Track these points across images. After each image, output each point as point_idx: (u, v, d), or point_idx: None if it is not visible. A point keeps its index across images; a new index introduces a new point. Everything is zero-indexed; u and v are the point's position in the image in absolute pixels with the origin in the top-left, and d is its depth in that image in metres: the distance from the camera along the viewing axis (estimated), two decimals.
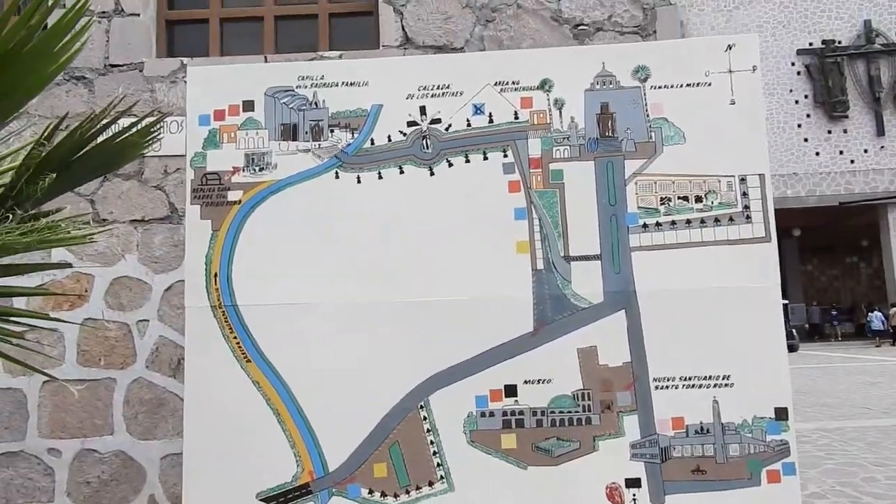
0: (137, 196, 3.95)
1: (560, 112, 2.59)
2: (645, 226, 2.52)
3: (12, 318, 2.09)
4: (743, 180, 2.51)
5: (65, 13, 2.06)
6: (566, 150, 2.57)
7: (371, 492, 2.48)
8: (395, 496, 2.48)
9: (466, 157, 2.59)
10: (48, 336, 3.70)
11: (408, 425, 2.50)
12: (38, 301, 3.73)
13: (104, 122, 2.30)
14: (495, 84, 2.61)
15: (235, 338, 2.55)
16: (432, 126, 2.62)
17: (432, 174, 2.59)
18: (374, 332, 2.54)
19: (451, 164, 2.59)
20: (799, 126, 21.49)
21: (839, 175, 21.18)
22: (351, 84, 2.65)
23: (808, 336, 27.78)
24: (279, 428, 2.51)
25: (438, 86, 2.63)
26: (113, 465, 3.77)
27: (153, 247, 3.89)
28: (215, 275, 2.58)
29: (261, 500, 2.50)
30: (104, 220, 3.81)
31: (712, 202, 2.51)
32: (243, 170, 2.62)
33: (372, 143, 2.62)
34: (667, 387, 2.46)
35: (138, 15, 4.19)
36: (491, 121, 2.60)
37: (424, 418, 2.50)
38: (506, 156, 2.58)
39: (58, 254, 3.66)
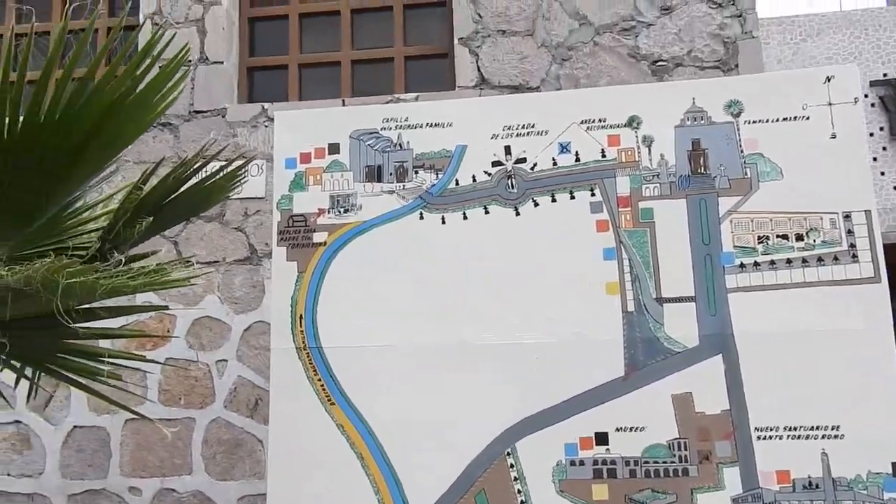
0: (219, 238, 4.02)
1: (649, 149, 2.51)
2: (742, 266, 2.41)
3: (107, 359, 2.12)
4: (847, 217, 2.37)
5: (165, 65, 2.11)
6: (656, 187, 2.49)
7: None
8: None
9: (553, 196, 2.53)
10: (132, 375, 3.76)
11: (494, 473, 2.41)
12: (122, 341, 3.80)
13: (195, 166, 2.35)
14: (581, 122, 2.55)
15: (320, 380, 2.52)
16: (517, 165, 2.57)
17: (518, 214, 2.54)
18: (460, 375, 2.47)
19: (536, 204, 2.54)
20: (875, 160, 20.81)
21: None
22: (435, 125, 2.63)
23: None
24: (363, 472, 2.45)
25: (523, 125, 2.59)
26: None
27: (233, 288, 3.94)
28: (300, 316, 2.56)
29: None
30: (187, 261, 3.88)
31: (814, 240, 2.39)
32: (328, 211, 2.62)
33: (457, 184, 2.59)
34: (770, 437, 2.31)
35: (222, 63, 4.31)
36: (577, 159, 2.54)
37: (511, 465, 2.41)
38: (593, 194, 2.51)
39: (142, 295, 3.74)
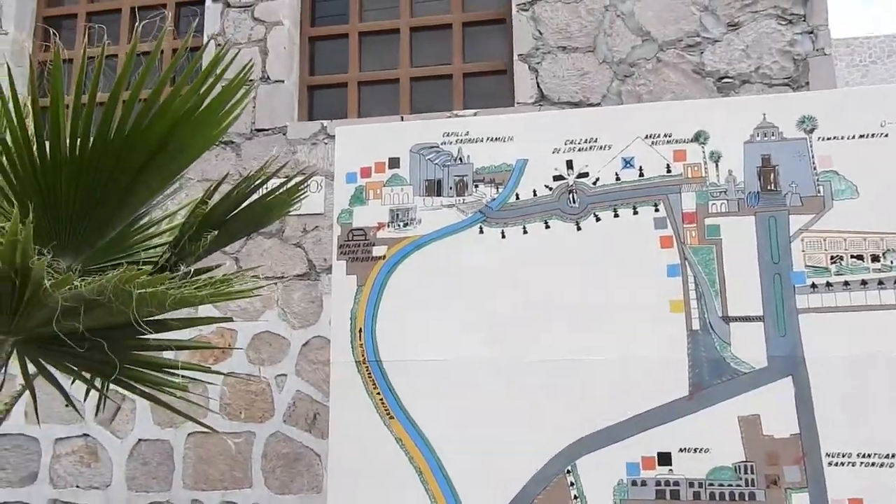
0: (278, 253, 4.08)
1: (716, 165, 2.46)
2: (814, 286, 2.32)
3: (179, 371, 2.18)
4: None
5: (228, 84, 2.17)
6: (723, 204, 2.43)
7: None
8: None
9: (615, 211, 2.50)
10: (195, 389, 3.83)
11: (553, 491, 2.37)
12: (184, 354, 3.88)
13: (256, 183, 2.41)
14: (646, 137, 2.51)
15: (379, 394, 2.51)
16: (579, 180, 2.54)
17: (579, 229, 2.51)
18: (520, 391, 2.44)
19: (598, 219, 2.50)
20: None
21: None
22: (496, 139, 2.63)
23: None
24: (422, 487, 2.44)
25: (586, 139, 2.57)
26: None
27: (292, 303, 3.99)
28: (360, 330, 2.57)
29: None
30: (252, 273, 3.97)
31: (892, 262, 2.30)
32: (388, 225, 2.63)
33: (517, 198, 2.57)
34: (842, 463, 2.22)
35: (283, 81, 4.40)
36: (641, 174, 2.49)
37: (571, 484, 2.37)
38: (657, 210, 2.46)
39: (203, 310, 3.82)
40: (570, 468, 2.38)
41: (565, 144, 2.58)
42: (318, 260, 4.06)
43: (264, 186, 2.42)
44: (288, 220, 4.08)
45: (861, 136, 2.40)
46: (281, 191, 2.47)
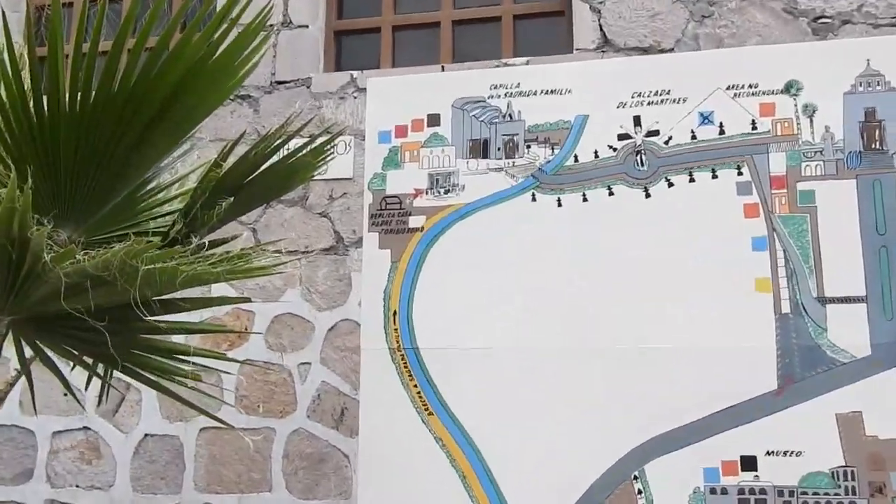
0: (301, 224, 4.14)
1: (811, 120, 2.42)
2: None
3: (190, 358, 2.24)
4: None
5: (244, 29, 2.20)
6: (819, 166, 2.40)
7: None
8: None
9: (691, 175, 2.48)
10: (207, 378, 3.92)
11: (618, 500, 2.37)
12: (195, 340, 3.97)
13: (276, 143, 2.44)
14: (727, 88, 2.48)
15: (416, 386, 2.54)
16: (648, 139, 2.52)
17: (648, 196, 2.50)
18: (578, 385, 2.44)
19: (671, 184, 2.49)
20: None
21: None
22: (551, 92, 2.61)
23: None
24: (465, 493, 2.46)
25: (656, 91, 2.54)
26: None
27: (317, 281, 4.05)
28: (394, 313, 2.59)
29: None
30: (274, 248, 4.04)
31: None
32: (427, 192, 2.64)
33: (576, 160, 2.56)
34: None
35: (307, 27, 4.43)
36: (722, 132, 2.47)
37: (640, 492, 2.36)
38: (741, 173, 2.44)
39: (217, 288, 3.89)
40: (637, 474, 2.37)
41: (632, 98, 2.56)
42: (347, 232, 4.08)
43: (285, 147, 2.42)
44: (312, 186, 4.11)
45: None
46: (304, 152, 2.48)
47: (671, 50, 4.02)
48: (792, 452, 2.30)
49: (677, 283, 2.45)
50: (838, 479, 2.28)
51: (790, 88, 2.47)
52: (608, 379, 2.44)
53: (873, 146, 2.39)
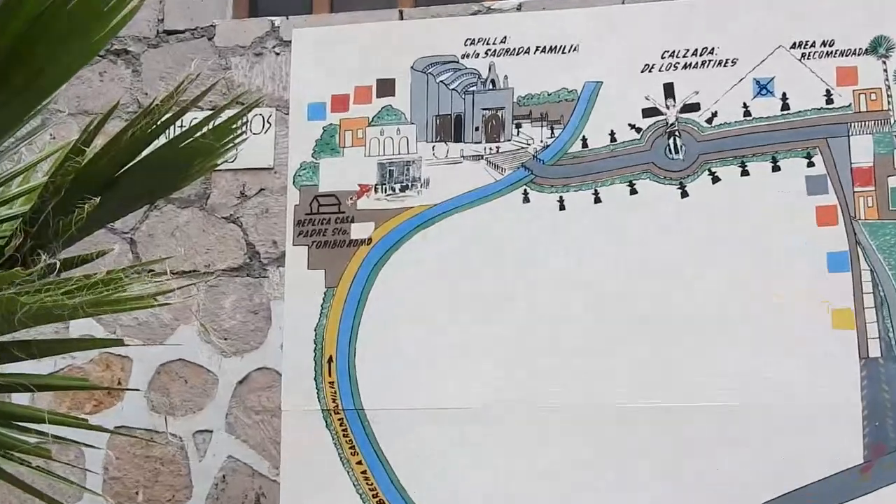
0: (199, 233, 4.02)
1: None
2: None
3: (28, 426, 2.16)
4: None
5: None
6: None
7: None
8: None
9: (743, 165, 2.46)
10: (64, 454, 3.81)
11: None
12: (45, 398, 3.86)
13: (164, 118, 2.38)
14: (793, 46, 2.47)
15: (360, 462, 2.48)
16: (685, 115, 2.50)
17: (685, 195, 2.48)
18: (587, 453, 2.42)
19: (716, 179, 2.47)
20: None
21: None
22: (550, 50, 2.58)
23: None
24: None
25: (695, 50, 2.52)
26: None
27: (221, 314, 3.92)
28: (330, 360, 2.55)
29: None
30: (150, 271, 3.95)
31: None
32: (377, 189, 2.61)
33: (584, 145, 2.53)
34: None
35: None
36: (786, 106, 2.46)
37: None
38: (811, 164, 2.43)
39: (77, 326, 3.72)
40: None
41: (662, 57, 2.54)
42: (265, 244, 3.93)
43: (178, 123, 2.36)
44: (216, 180, 3.98)
45: None
46: (204, 130, 2.42)
47: None
48: None
49: (723, 315, 2.43)
50: None
51: (878, 47, 2.46)
52: (629, 446, 2.42)
53: None
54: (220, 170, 3.69)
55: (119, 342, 2.41)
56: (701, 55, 2.53)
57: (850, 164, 2.43)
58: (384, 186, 2.62)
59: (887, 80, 2.43)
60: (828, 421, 2.34)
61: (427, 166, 2.61)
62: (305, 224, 2.63)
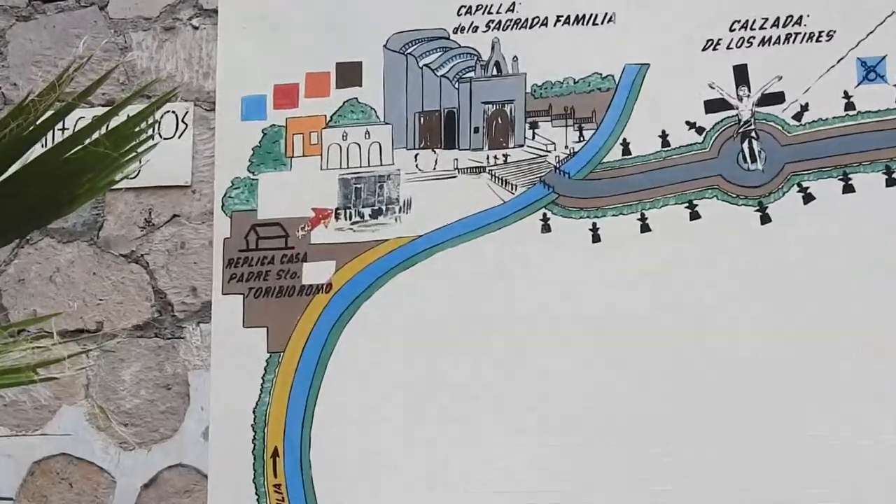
0: (88, 277, 4.02)
1: None
2: None
3: None
4: None
5: None
6: None
7: None
8: None
9: (846, 178, 2.41)
10: None
11: None
12: None
13: (44, 116, 2.37)
14: None
15: None
16: (764, 110, 2.42)
17: (767, 220, 2.42)
18: None
19: (808, 197, 2.40)
20: None
21: None
22: (576, 21, 2.53)
23: None
24: None
25: (775, 20, 2.46)
26: None
27: (120, 390, 3.90)
28: (275, 452, 2.46)
29: None
30: (20, 331, 3.94)
31: None
32: (338, 215, 2.52)
33: (625, 152, 2.48)
34: None
35: None
36: None
37: None
38: None
39: None
40: None
41: (732, 30, 2.47)
42: (180, 292, 3.83)
43: (60, 126, 2.33)
44: (112, 203, 4.01)
45: None
46: (97, 135, 2.36)
47: None
48: None
49: (825, 383, 2.38)
50: None
51: None
52: None
53: None
54: (117, 189, 3.69)
55: None
56: (785, 26, 2.42)
57: None
58: (349, 211, 2.48)
59: None
60: None
61: (408, 183, 2.48)
62: (239, 264, 2.49)
